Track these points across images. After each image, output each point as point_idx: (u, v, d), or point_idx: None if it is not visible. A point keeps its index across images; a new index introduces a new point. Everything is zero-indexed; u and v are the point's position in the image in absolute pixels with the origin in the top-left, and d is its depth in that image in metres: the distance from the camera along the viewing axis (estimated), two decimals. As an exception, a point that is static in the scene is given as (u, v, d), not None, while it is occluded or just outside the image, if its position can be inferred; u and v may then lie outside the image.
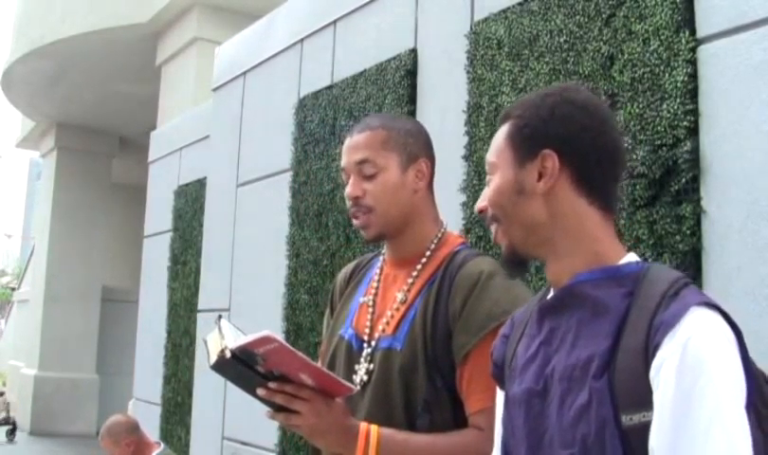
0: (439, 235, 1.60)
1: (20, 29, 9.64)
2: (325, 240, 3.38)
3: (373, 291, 1.61)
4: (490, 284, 1.45)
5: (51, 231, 11.09)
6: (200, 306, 4.61)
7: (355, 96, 3.28)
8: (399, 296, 1.54)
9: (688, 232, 1.91)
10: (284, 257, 3.67)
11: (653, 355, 0.98)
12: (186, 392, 4.92)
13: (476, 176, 2.60)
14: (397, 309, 1.53)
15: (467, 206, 2.62)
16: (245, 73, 4.30)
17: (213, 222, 4.58)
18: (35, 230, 13.82)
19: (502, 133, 1.21)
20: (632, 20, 2.12)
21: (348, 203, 1.57)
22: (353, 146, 1.57)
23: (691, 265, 1.87)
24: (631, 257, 1.15)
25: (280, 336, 1.25)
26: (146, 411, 5.50)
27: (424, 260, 1.56)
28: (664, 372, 0.97)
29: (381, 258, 1.66)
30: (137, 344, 6.18)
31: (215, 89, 4.66)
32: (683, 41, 1.98)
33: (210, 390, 4.10)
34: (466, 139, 2.67)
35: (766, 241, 1.77)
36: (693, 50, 1.97)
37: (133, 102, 9.90)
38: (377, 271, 1.64)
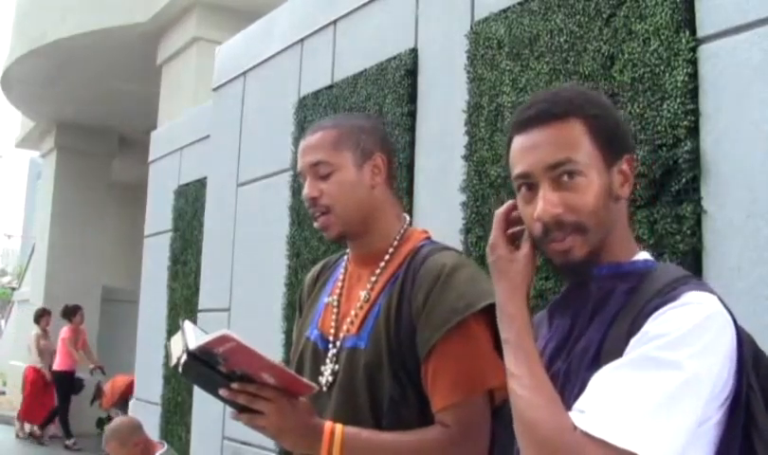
0: (402, 231, 1.58)
1: (20, 29, 9.63)
2: (325, 240, 3.37)
3: (338, 291, 1.60)
4: (453, 278, 1.43)
5: (51, 231, 11.08)
6: (200, 306, 4.61)
7: (355, 95, 3.28)
8: (363, 294, 1.53)
9: (689, 232, 1.91)
10: (285, 257, 3.67)
11: (634, 334, 0.99)
12: (186, 392, 4.92)
13: (476, 176, 2.60)
14: (361, 308, 1.52)
15: (468, 206, 2.62)
16: (245, 73, 4.30)
17: (214, 222, 4.58)
18: (35, 230, 13.83)
19: (580, 130, 1.10)
20: (633, 20, 2.12)
21: (306, 205, 1.57)
22: (306, 148, 1.56)
23: (692, 265, 1.87)
24: (643, 255, 1.15)
25: (238, 335, 1.23)
26: (146, 412, 5.50)
27: (387, 257, 1.54)
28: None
29: (345, 257, 1.65)
30: (137, 344, 6.18)
31: (216, 89, 4.65)
32: (683, 41, 1.98)
33: (210, 389, 4.10)
34: (466, 139, 2.67)
35: (766, 240, 1.77)
36: (693, 50, 1.97)
37: (133, 102, 9.89)
38: (342, 271, 1.63)
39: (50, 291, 10.82)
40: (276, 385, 1.32)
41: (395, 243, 1.55)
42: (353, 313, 1.53)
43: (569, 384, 1.06)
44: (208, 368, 1.28)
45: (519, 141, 1.12)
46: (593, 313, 1.09)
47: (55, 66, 9.33)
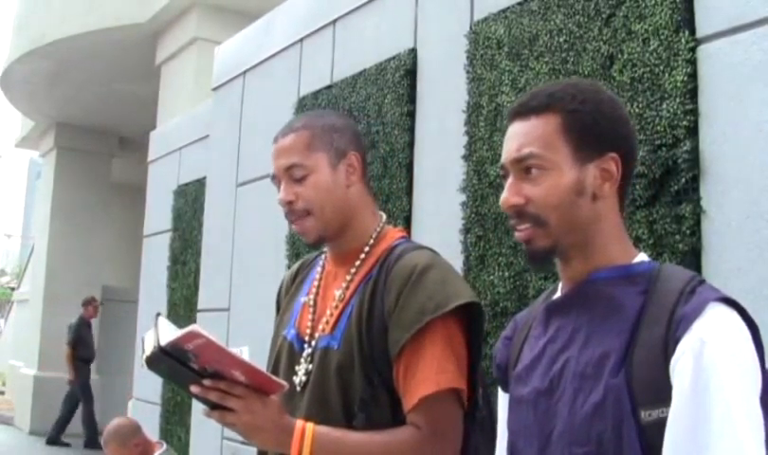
0: (378, 230, 1.57)
1: (20, 29, 9.63)
2: (325, 240, 3.38)
3: (314, 290, 1.59)
4: (424, 278, 1.42)
5: (51, 231, 11.07)
6: (200, 306, 4.61)
7: (354, 95, 3.28)
8: (338, 293, 1.52)
9: (688, 232, 1.91)
10: (284, 257, 3.67)
11: (674, 349, 0.99)
12: (185, 392, 4.92)
13: (476, 176, 2.60)
14: (336, 307, 1.51)
15: (467, 206, 2.61)
16: (244, 73, 4.30)
17: (213, 221, 4.57)
18: (35, 230, 13.81)
19: (554, 125, 1.11)
20: (632, 20, 2.12)
21: (283, 209, 1.55)
22: (279, 151, 1.54)
23: (691, 265, 1.87)
24: (643, 257, 1.15)
25: (207, 332, 1.23)
26: (146, 411, 5.50)
27: (362, 256, 1.53)
28: (682, 367, 0.97)
29: (323, 256, 1.64)
30: (136, 344, 6.18)
31: (215, 89, 4.65)
32: (682, 41, 1.98)
33: (209, 389, 4.09)
34: (465, 139, 2.67)
35: (766, 240, 1.77)
36: (693, 50, 1.97)
37: (132, 102, 9.89)
38: (319, 269, 1.62)
39: (50, 291, 10.82)
40: (247, 383, 1.31)
41: (371, 242, 1.55)
42: (328, 312, 1.52)
43: (584, 388, 1.05)
44: (180, 364, 1.28)
45: (506, 133, 1.17)
46: (603, 316, 1.08)
47: (55, 66, 9.32)
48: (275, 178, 1.56)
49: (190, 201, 5.36)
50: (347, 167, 1.55)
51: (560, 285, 1.20)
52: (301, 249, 3.55)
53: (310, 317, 1.55)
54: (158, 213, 5.90)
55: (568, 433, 1.06)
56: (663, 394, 0.98)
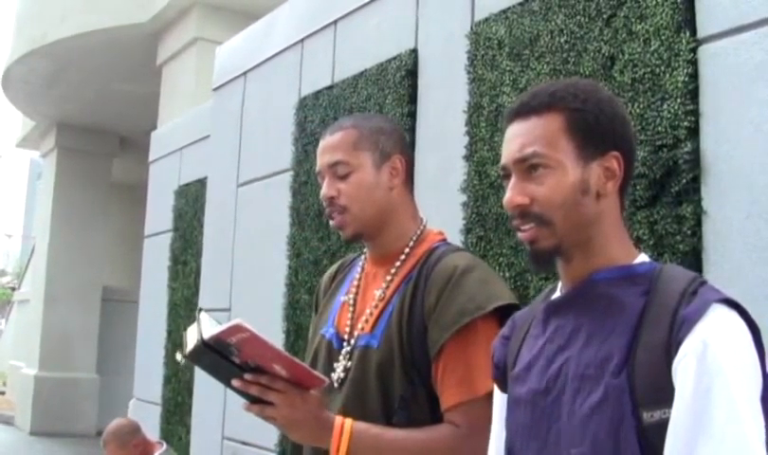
0: (418, 232, 1.60)
1: (20, 29, 9.63)
2: (326, 240, 3.38)
3: (354, 290, 1.61)
4: (464, 280, 1.45)
5: (51, 231, 11.08)
6: (201, 306, 4.60)
7: (355, 96, 3.28)
8: (378, 293, 1.54)
9: (689, 233, 1.91)
10: (285, 257, 3.67)
11: (676, 351, 0.99)
12: (186, 392, 4.92)
13: (476, 176, 2.60)
14: (376, 306, 1.54)
15: (468, 206, 2.61)
16: (245, 73, 4.30)
17: (214, 222, 4.57)
18: (35, 230, 13.82)
19: (556, 124, 1.11)
20: (633, 20, 2.12)
21: (324, 204, 1.58)
22: (326, 148, 1.58)
23: (692, 266, 1.87)
24: (644, 257, 1.15)
25: (251, 326, 1.25)
26: (146, 412, 5.50)
27: (403, 257, 1.56)
28: (684, 369, 0.97)
29: (363, 257, 1.67)
30: (137, 344, 6.18)
31: (216, 89, 4.65)
32: (683, 41, 1.98)
33: (210, 389, 4.10)
34: (466, 139, 2.67)
35: (766, 241, 1.77)
36: (694, 50, 1.97)
37: (133, 102, 9.89)
38: (359, 270, 1.65)
39: (50, 291, 10.82)
40: (288, 377, 1.34)
41: (411, 243, 1.57)
42: (367, 312, 1.54)
43: (584, 389, 1.05)
44: (221, 358, 1.30)
45: (506, 134, 1.17)
46: (604, 317, 1.08)
47: (56, 66, 9.33)
48: (319, 174, 1.59)
49: (190, 201, 5.36)
50: (391, 169, 1.57)
51: (560, 285, 1.20)
52: (301, 249, 3.55)
53: (349, 315, 1.58)
54: (159, 213, 5.90)
55: (566, 434, 1.06)
56: (665, 395, 0.98)
